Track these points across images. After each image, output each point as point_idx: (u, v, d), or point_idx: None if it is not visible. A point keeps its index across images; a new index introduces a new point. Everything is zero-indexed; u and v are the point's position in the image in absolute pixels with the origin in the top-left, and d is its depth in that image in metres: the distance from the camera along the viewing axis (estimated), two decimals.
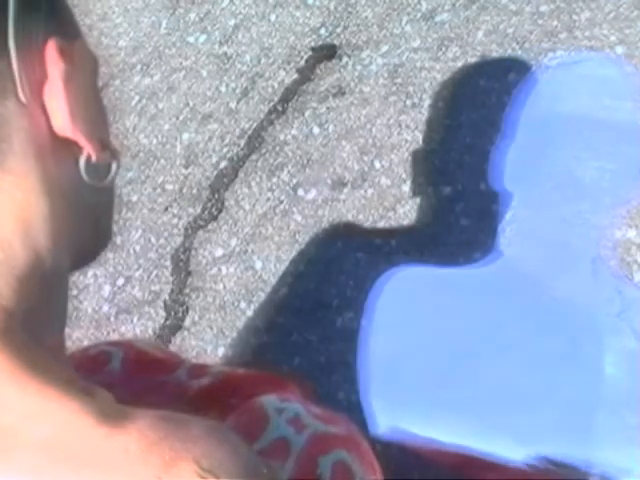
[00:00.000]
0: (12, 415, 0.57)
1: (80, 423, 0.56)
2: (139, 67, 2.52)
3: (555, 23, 2.01)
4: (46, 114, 0.65)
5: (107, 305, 2.09)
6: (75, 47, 0.71)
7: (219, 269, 2.02)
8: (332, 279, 1.88)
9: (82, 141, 0.66)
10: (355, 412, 1.53)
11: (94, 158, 0.68)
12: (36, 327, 0.64)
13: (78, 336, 2.05)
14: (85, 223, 0.72)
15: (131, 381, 1.12)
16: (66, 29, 0.70)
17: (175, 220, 2.16)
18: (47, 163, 0.65)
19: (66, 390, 0.58)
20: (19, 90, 0.63)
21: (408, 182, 1.94)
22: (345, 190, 1.99)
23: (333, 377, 1.76)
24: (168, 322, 2.00)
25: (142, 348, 1.21)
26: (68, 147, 0.67)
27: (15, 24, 0.62)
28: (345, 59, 2.22)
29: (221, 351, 1.90)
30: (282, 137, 2.16)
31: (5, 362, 0.57)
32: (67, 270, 0.73)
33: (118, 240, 2.20)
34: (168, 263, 2.10)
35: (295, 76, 2.26)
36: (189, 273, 2.05)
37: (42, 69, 0.65)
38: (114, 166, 0.72)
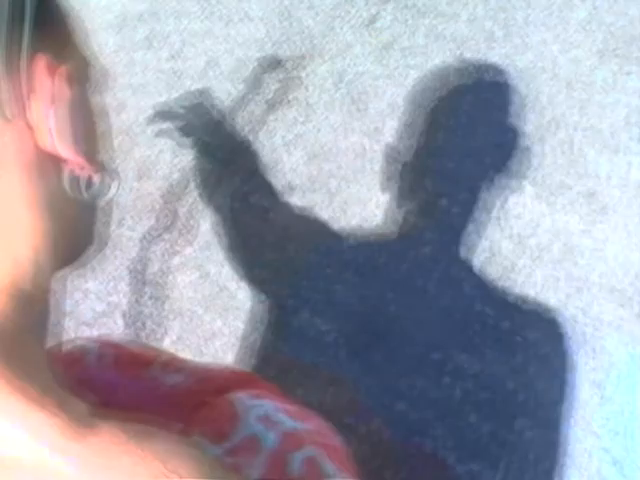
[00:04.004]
0: None
1: (43, 436, 0.57)
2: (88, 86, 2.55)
3: (491, 24, 2.07)
4: (32, 130, 0.66)
5: (67, 318, 2.11)
6: (66, 63, 0.74)
7: (175, 277, 2.05)
8: (286, 281, 1.92)
9: (68, 156, 0.69)
10: (313, 408, 1.55)
11: (77, 172, 0.72)
12: (15, 336, 0.66)
13: None
14: (68, 232, 0.75)
15: (107, 375, 1.14)
16: (56, 46, 0.73)
17: (130, 232, 2.18)
18: (32, 177, 0.66)
19: (37, 401, 0.58)
20: (5, 106, 0.64)
21: (355, 183, 1.98)
22: (295, 194, 2.03)
23: (291, 375, 1.80)
24: (127, 332, 2.02)
25: (118, 343, 1.24)
26: (53, 161, 0.68)
27: (4, 41, 0.63)
28: (290, 69, 2.27)
29: None
30: (232, 146, 2.20)
31: None
32: (49, 277, 0.76)
33: None
34: (125, 274, 2.12)
35: (242, 87, 2.31)
36: (145, 283, 2.08)
37: (29, 86, 0.65)
38: (97, 179, 0.76)
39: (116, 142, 2.31)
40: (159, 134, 2.30)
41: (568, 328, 1.63)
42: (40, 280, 0.69)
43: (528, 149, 1.85)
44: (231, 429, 0.94)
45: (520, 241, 1.76)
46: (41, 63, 0.66)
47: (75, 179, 0.71)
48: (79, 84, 0.78)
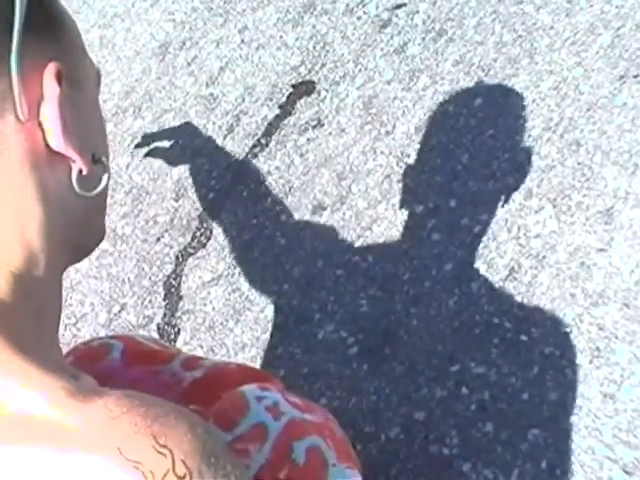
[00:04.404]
0: None
1: (52, 396, 0.62)
2: (131, 110, 2.65)
3: (517, 51, 2.13)
4: (42, 131, 0.72)
5: (104, 331, 2.20)
6: (75, 70, 0.78)
7: (208, 292, 2.13)
8: (313, 295, 1.99)
9: (73, 156, 0.74)
10: (336, 417, 1.61)
11: (85, 171, 0.76)
12: (30, 318, 0.70)
13: None
14: (79, 225, 0.79)
15: (129, 370, 1.21)
16: (67, 53, 0.77)
17: (167, 249, 2.27)
18: (42, 174, 0.72)
19: (47, 370, 0.64)
20: (18, 109, 0.70)
21: (383, 203, 2.05)
22: (325, 213, 2.11)
23: (315, 385, 1.86)
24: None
25: (140, 340, 1.31)
26: (62, 160, 0.74)
27: (18, 47, 0.68)
28: (323, 93, 2.35)
29: None
30: (266, 168, 2.28)
31: None
32: (62, 266, 0.83)
33: (114, 270, 2.31)
34: (160, 289, 2.21)
35: (277, 112, 2.39)
36: (180, 297, 2.16)
37: (40, 90, 0.71)
38: (104, 177, 0.81)
39: (156, 164, 2.41)
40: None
41: (583, 342, 1.68)
42: (50, 269, 0.75)
43: (549, 170, 1.90)
44: (240, 417, 1.00)
45: (539, 259, 1.81)
46: (52, 70, 0.72)
47: (83, 177, 0.77)
48: (94, 90, 0.85)
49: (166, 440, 0.61)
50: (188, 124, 2.49)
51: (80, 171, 0.76)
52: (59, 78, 0.72)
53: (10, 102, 0.69)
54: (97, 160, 0.78)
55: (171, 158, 2.42)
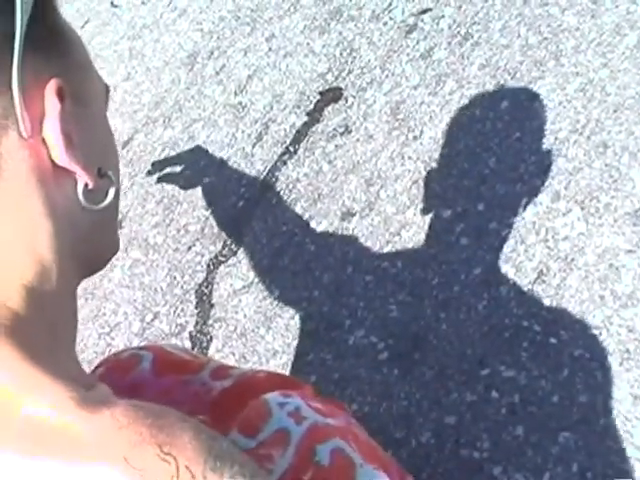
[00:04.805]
0: (6, 396, 0.64)
1: (61, 405, 0.64)
2: (161, 120, 2.68)
3: (543, 53, 2.13)
4: (46, 146, 0.72)
5: (137, 340, 2.22)
6: (80, 86, 0.79)
7: (239, 300, 2.15)
8: (343, 301, 2.00)
9: (78, 171, 0.75)
10: (367, 422, 1.62)
11: (91, 185, 0.77)
12: (44, 330, 0.72)
13: None
14: (89, 238, 0.80)
15: (160, 380, 1.23)
16: (71, 69, 0.77)
17: (198, 258, 2.30)
18: (49, 189, 0.73)
19: (57, 380, 0.65)
20: (20, 125, 0.70)
21: (412, 209, 2.06)
22: (354, 219, 2.12)
23: (347, 391, 1.87)
24: (194, 351, 2.12)
25: (170, 350, 1.33)
26: (68, 175, 0.75)
27: (19, 64, 0.69)
28: (350, 100, 2.36)
29: None
30: (294, 175, 2.30)
31: (11, 354, 0.65)
32: (75, 280, 0.84)
33: (146, 280, 2.34)
34: (192, 297, 2.23)
35: (305, 119, 2.41)
36: (212, 305, 2.18)
37: (42, 106, 0.72)
38: (111, 191, 0.81)
39: (187, 172, 2.43)
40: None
41: (613, 344, 1.68)
42: (62, 282, 0.75)
43: (576, 172, 1.90)
44: (263, 423, 1.01)
45: (567, 262, 1.81)
46: (53, 87, 0.73)
47: (89, 191, 0.78)
48: (101, 105, 0.86)
49: (170, 448, 0.63)
50: (217, 133, 2.52)
51: (86, 185, 0.77)
52: (60, 95, 0.73)
53: (13, 118, 0.70)
54: (103, 174, 0.80)
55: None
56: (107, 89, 0.86)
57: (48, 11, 0.76)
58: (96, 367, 1.21)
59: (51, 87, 0.72)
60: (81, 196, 0.77)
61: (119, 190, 0.83)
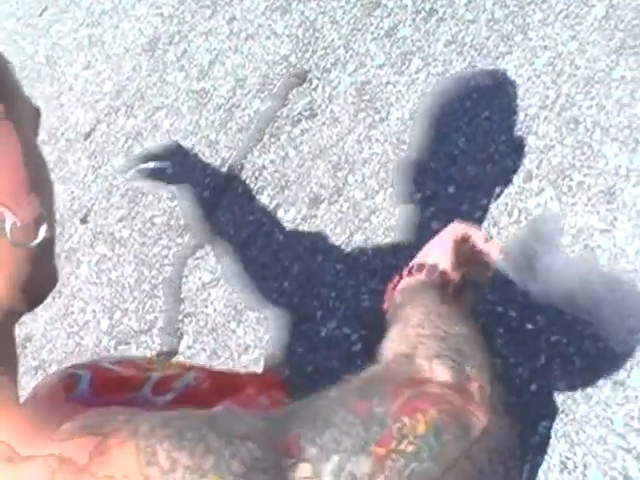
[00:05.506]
0: None
1: (12, 435, 0.66)
2: (123, 110, 2.62)
3: (510, 27, 2.08)
4: None
5: (107, 338, 2.17)
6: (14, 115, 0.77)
7: (209, 293, 2.10)
8: (314, 292, 1.95)
9: (4, 211, 0.71)
10: None
11: (19, 224, 0.74)
12: None
13: None
14: (29, 276, 0.79)
15: (100, 400, 1.20)
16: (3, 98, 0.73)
17: (165, 251, 2.24)
18: None
19: (9, 414, 0.67)
20: None
21: (381, 193, 2.00)
22: (322, 206, 2.06)
23: (320, 384, 1.82)
24: (164, 349, 2.07)
25: (108, 367, 1.30)
26: None
27: None
28: (315, 82, 2.30)
29: None
30: (260, 162, 2.24)
31: None
32: (15, 314, 0.80)
33: (113, 275, 2.29)
34: (161, 293, 2.18)
35: (269, 103, 2.35)
36: (181, 300, 2.13)
37: None
38: (42, 228, 0.78)
39: (151, 164, 2.37)
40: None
41: (590, 328, 1.64)
42: (8, 317, 0.73)
43: (547, 150, 1.85)
44: None
45: None
46: None
47: (19, 229, 0.74)
48: (30, 134, 0.80)
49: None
50: (181, 121, 2.46)
51: (14, 224, 0.72)
52: None
53: None
54: (34, 211, 0.74)
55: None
56: (38, 112, 0.81)
57: None
58: (32, 391, 1.21)
59: None
60: (9, 235, 0.72)
61: (53, 224, 0.77)
